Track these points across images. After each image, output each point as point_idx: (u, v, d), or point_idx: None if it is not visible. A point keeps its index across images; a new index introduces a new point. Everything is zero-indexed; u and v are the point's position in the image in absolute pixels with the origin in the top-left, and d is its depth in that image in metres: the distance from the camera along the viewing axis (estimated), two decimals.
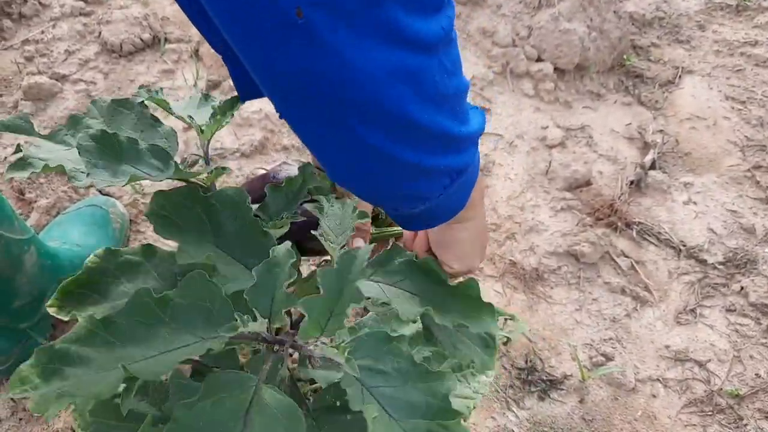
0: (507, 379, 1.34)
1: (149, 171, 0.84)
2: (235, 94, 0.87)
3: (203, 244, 0.83)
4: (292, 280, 0.73)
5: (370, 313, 1.02)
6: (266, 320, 0.68)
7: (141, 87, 0.96)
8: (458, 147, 0.58)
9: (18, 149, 0.80)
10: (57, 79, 1.72)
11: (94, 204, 1.38)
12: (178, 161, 0.93)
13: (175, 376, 0.93)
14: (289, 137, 1.61)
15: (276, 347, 0.71)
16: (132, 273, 0.89)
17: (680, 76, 2.01)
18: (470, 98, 1.76)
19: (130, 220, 1.45)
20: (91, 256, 0.88)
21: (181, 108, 0.98)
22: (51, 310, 0.83)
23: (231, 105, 0.98)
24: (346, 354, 0.61)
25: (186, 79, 1.76)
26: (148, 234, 1.43)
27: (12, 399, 1.19)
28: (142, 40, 1.83)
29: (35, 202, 1.46)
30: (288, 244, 0.77)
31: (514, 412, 1.29)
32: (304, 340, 0.67)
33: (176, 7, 1.95)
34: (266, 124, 1.61)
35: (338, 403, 0.74)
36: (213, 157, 1.53)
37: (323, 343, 0.66)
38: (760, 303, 1.46)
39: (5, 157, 1.55)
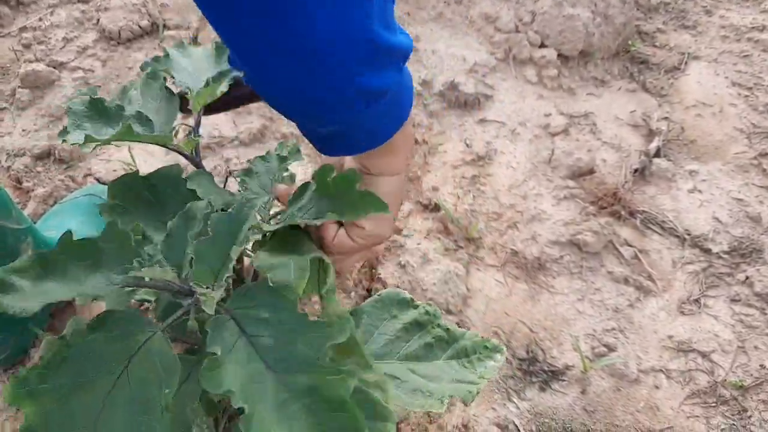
0: (508, 370, 1.32)
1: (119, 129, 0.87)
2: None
3: (151, 222, 0.85)
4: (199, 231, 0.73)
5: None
6: (172, 269, 0.67)
7: (154, 58, 1.00)
8: (380, 61, 0.55)
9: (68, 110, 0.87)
10: (55, 67, 1.70)
11: (91, 193, 1.37)
12: (173, 129, 0.95)
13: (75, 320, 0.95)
14: (288, 125, 1.59)
15: (183, 297, 0.70)
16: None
17: (686, 62, 1.98)
18: (472, 84, 1.74)
19: None
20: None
21: (185, 75, 1.00)
22: None
23: (222, 75, 0.98)
24: (215, 301, 0.60)
25: None
26: None
27: None
28: (140, 27, 1.81)
29: (32, 191, 1.45)
30: (205, 201, 0.77)
31: (514, 402, 1.28)
32: (196, 284, 0.65)
33: None
34: (265, 112, 1.59)
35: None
36: (211, 146, 1.51)
37: (205, 287, 0.65)
38: (765, 293, 1.44)
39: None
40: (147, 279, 0.63)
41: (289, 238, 0.80)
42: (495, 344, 0.96)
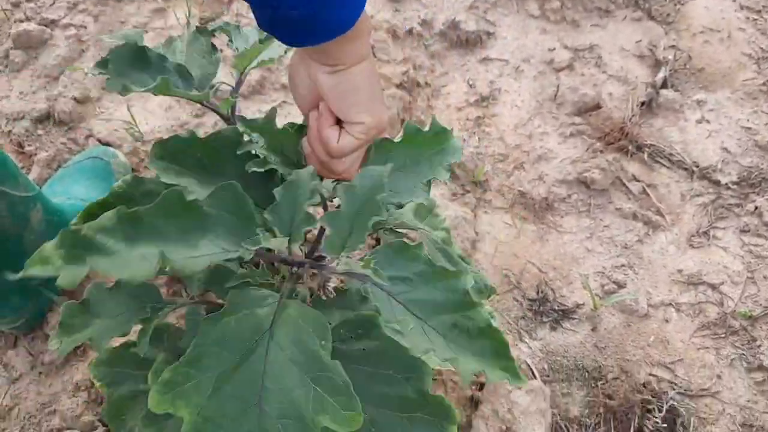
0: (519, 311, 1.34)
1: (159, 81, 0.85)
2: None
3: (207, 186, 0.83)
4: (313, 200, 0.72)
5: (382, 243, 1.01)
6: (287, 238, 0.67)
7: (225, 22, 1.02)
8: None
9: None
10: (46, 25, 1.67)
11: (95, 156, 1.36)
12: (211, 87, 0.95)
13: (191, 311, 0.94)
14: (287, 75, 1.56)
15: (295, 268, 0.71)
16: (153, 200, 0.90)
17: None
18: (474, 21, 1.70)
19: (133, 169, 1.43)
20: (119, 182, 0.89)
21: (240, 40, 1.01)
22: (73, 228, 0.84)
23: (268, 39, 0.98)
24: (372, 265, 0.62)
25: (178, 17, 1.70)
26: None
27: (30, 354, 1.21)
28: None
29: (35, 155, 1.44)
30: (311, 168, 0.76)
31: (526, 343, 1.30)
32: (328, 254, 0.69)
33: None
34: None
35: (352, 337, 0.75)
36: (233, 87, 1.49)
37: (348, 258, 0.66)
38: None
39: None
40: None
41: None
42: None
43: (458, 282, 0.63)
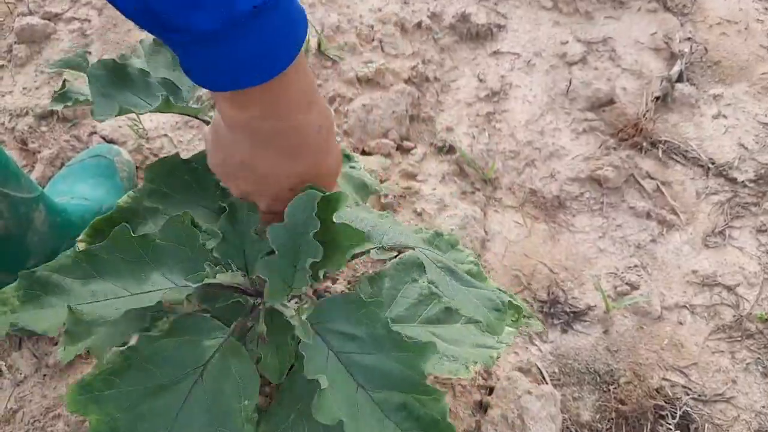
0: (530, 312, 1.31)
1: (155, 103, 0.82)
2: None
3: (193, 207, 0.82)
4: (255, 228, 0.69)
5: (392, 262, 0.99)
6: (240, 271, 0.65)
7: None
8: None
9: (64, 84, 0.86)
10: (49, 19, 1.64)
11: (99, 154, 1.34)
12: (195, 98, 0.92)
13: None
14: None
15: (256, 300, 0.67)
16: (158, 215, 0.89)
17: None
18: (484, 14, 1.66)
19: (137, 167, 1.41)
20: (124, 197, 0.87)
21: None
22: (81, 246, 0.83)
23: None
24: (303, 317, 0.58)
25: None
26: None
27: (35, 356, 1.20)
28: None
29: (39, 152, 1.42)
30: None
31: (537, 345, 1.28)
32: (274, 302, 0.63)
33: None
34: None
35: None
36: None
37: (286, 303, 0.62)
38: None
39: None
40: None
41: None
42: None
43: (417, 358, 0.56)
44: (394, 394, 0.55)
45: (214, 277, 0.60)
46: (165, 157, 0.83)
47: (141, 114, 0.75)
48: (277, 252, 0.61)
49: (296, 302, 0.62)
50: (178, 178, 0.80)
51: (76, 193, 1.28)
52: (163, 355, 0.56)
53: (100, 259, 0.60)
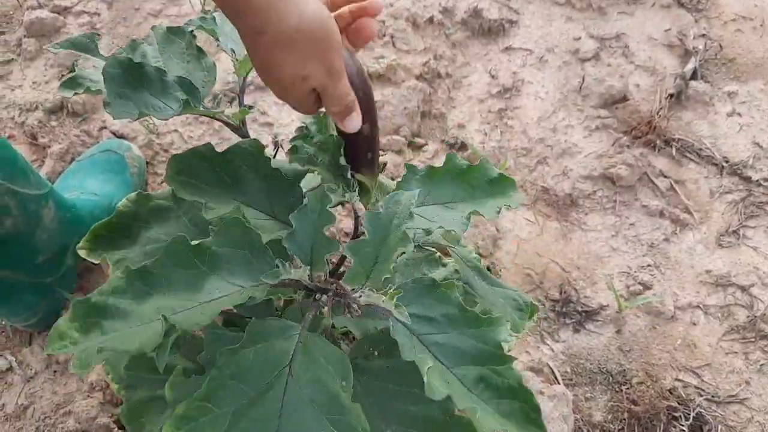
0: (541, 312, 1.30)
1: (173, 104, 0.81)
2: None
3: (227, 200, 0.81)
4: (330, 224, 0.70)
5: (403, 255, 0.98)
6: (308, 267, 0.65)
7: (202, 15, 0.95)
8: None
9: (73, 68, 0.81)
10: (59, 12, 1.63)
11: (109, 149, 1.33)
12: (210, 96, 0.90)
13: (210, 326, 0.92)
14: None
15: (318, 295, 0.68)
16: (162, 218, 0.88)
17: None
18: (496, 9, 1.65)
19: (147, 162, 1.40)
20: (123, 200, 0.87)
21: (229, 39, 0.95)
22: (81, 253, 0.84)
23: None
24: (395, 301, 0.59)
25: (192, 4, 1.66)
26: None
27: (45, 351, 1.20)
28: None
29: (48, 147, 1.41)
30: (322, 188, 0.73)
31: (548, 345, 1.27)
32: (350, 286, 0.65)
33: None
34: None
35: (376, 353, 0.72)
36: (226, 93, 1.46)
37: (370, 290, 0.63)
38: None
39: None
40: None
41: None
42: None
43: (491, 332, 0.58)
44: (470, 368, 0.58)
45: (289, 274, 0.61)
46: (192, 149, 0.81)
47: (162, 120, 0.74)
48: (366, 235, 0.63)
49: (370, 290, 0.64)
50: (210, 170, 0.79)
51: (86, 188, 1.27)
52: (246, 367, 0.56)
53: (155, 276, 0.59)
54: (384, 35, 1.58)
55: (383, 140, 1.43)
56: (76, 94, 0.82)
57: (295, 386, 0.55)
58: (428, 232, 0.74)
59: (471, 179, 0.82)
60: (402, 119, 1.46)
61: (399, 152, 1.44)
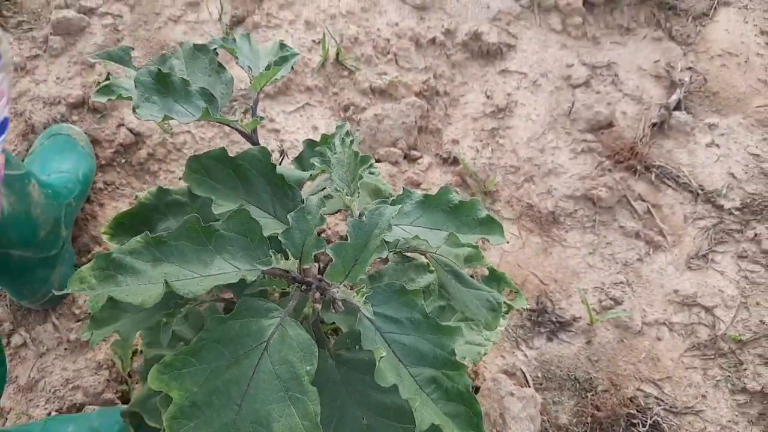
0: (518, 320, 1.40)
1: (193, 110, 0.92)
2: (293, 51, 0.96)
3: (235, 199, 0.92)
4: (322, 225, 0.81)
5: (390, 263, 1.08)
6: (297, 260, 0.76)
7: (224, 37, 1.06)
8: None
9: (107, 77, 0.91)
10: (84, 13, 1.73)
11: (52, 134, 1.44)
12: (227, 104, 1.01)
13: (211, 308, 1.04)
14: (312, 78, 1.63)
15: (303, 287, 0.79)
16: (178, 211, 0.99)
17: (715, 8, 1.94)
18: (496, 33, 1.75)
19: (159, 159, 1.50)
20: (145, 192, 0.98)
21: (246, 57, 1.07)
22: (104, 237, 0.95)
23: (284, 60, 1.06)
24: (363, 299, 0.69)
25: (210, 12, 1.76)
26: (177, 173, 1.49)
27: (58, 330, 1.30)
28: None
29: None
30: (321, 194, 0.84)
31: (523, 351, 1.37)
32: (330, 281, 0.75)
33: None
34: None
35: (357, 346, 0.83)
36: (237, 98, 1.56)
37: (345, 287, 0.74)
38: None
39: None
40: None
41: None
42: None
43: (448, 339, 0.67)
44: (426, 369, 0.67)
45: (279, 263, 0.71)
46: (208, 152, 0.92)
47: (184, 123, 0.84)
48: (348, 239, 0.72)
49: (345, 287, 0.74)
50: (223, 171, 0.90)
51: (51, 169, 1.37)
52: (230, 335, 0.66)
53: (168, 245, 0.70)
54: (388, 53, 1.69)
55: (381, 151, 1.53)
56: (109, 100, 0.93)
57: (267, 361, 0.65)
58: (409, 240, 0.84)
59: (461, 215, 0.92)
60: (400, 133, 1.56)
61: (395, 163, 1.54)
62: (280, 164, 1.03)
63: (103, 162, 1.49)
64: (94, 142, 1.51)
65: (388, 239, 0.82)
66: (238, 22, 1.74)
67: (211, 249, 0.73)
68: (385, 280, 1.06)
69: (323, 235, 1.38)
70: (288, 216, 0.78)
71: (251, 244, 0.75)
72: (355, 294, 0.71)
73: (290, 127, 1.56)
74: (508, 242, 1.50)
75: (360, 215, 0.94)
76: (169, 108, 0.89)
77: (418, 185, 1.52)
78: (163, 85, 0.90)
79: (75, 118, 1.56)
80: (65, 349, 1.28)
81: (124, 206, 1.45)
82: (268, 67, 1.03)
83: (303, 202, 0.86)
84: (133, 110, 0.87)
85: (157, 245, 0.70)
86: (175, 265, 0.70)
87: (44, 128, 1.53)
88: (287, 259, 0.75)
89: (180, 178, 1.41)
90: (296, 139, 1.55)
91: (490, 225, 0.96)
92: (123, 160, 1.51)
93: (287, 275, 0.76)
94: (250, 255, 0.74)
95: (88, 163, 1.43)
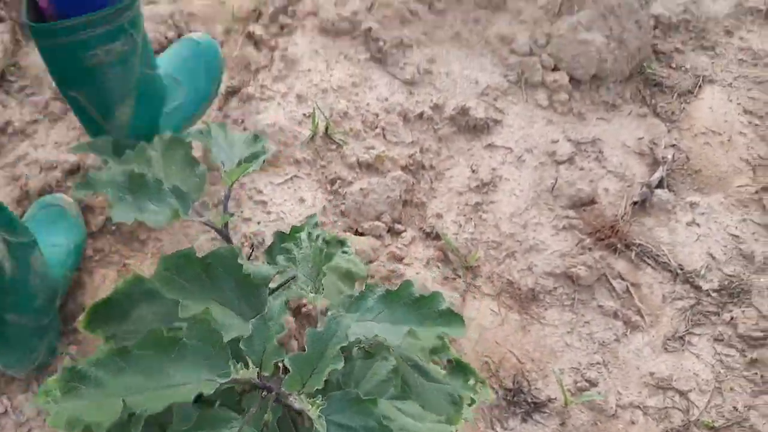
0: (494, 399, 1.42)
1: (166, 208, 0.97)
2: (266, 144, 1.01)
3: (204, 299, 0.95)
4: (283, 333, 0.85)
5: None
6: (257, 368, 0.79)
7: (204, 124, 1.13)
8: None
9: (85, 176, 0.97)
10: None
11: (44, 206, 1.48)
12: (200, 201, 1.07)
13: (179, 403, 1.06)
14: (301, 151, 1.67)
15: (264, 393, 0.83)
16: (151, 300, 1.02)
17: (700, 86, 1.99)
18: (483, 108, 1.80)
19: (148, 228, 1.54)
20: (121, 281, 1.01)
21: (222, 150, 1.12)
22: (80, 326, 0.98)
23: (255, 156, 1.11)
24: (318, 411, 0.72)
25: None
26: (165, 242, 1.53)
27: None
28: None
29: None
30: (283, 299, 0.88)
31: (497, 431, 1.38)
32: (287, 390, 0.78)
33: (204, 1, 2.00)
34: (280, 138, 1.67)
35: None
36: (217, 182, 1.60)
37: (302, 395, 0.77)
38: (747, 335, 1.51)
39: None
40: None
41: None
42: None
43: None
44: None
45: (237, 374, 0.75)
46: (179, 251, 0.96)
47: (155, 228, 0.88)
48: (306, 350, 0.76)
49: (302, 395, 0.77)
50: (192, 270, 0.93)
51: (45, 243, 1.40)
52: None
53: (133, 355, 0.73)
54: (376, 127, 1.74)
55: (365, 225, 1.57)
56: (86, 195, 0.97)
57: None
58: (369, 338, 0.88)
59: (422, 308, 0.95)
60: (384, 207, 1.60)
61: (378, 237, 1.57)
62: (249, 258, 1.07)
63: (94, 229, 1.53)
64: (87, 208, 1.55)
65: (351, 338, 0.85)
66: (233, 92, 1.79)
67: (173, 357, 0.76)
68: (351, 383, 1.09)
69: (303, 309, 1.41)
70: (250, 323, 0.81)
71: (213, 351, 0.78)
72: (310, 406, 0.74)
73: (277, 198, 1.60)
74: (487, 320, 1.53)
75: (325, 310, 0.98)
76: (142, 207, 0.93)
77: (400, 260, 1.55)
78: (137, 184, 0.95)
79: (69, 184, 1.61)
80: (44, 420, 1.30)
81: (113, 274, 1.49)
82: (239, 164, 1.07)
83: (268, 302, 0.90)
84: (108, 208, 0.92)
85: (121, 355, 0.74)
86: (137, 375, 0.74)
87: (39, 194, 1.57)
88: (247, 367, 0.78)
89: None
90: (285, 210, 1.59)
91: (450, 317, 1.00)
92: (113, 227, 1.55)
93: (247, 383, 0.79)
94: (211, 364, 0.77)
95: (80, 233, 1.47)
